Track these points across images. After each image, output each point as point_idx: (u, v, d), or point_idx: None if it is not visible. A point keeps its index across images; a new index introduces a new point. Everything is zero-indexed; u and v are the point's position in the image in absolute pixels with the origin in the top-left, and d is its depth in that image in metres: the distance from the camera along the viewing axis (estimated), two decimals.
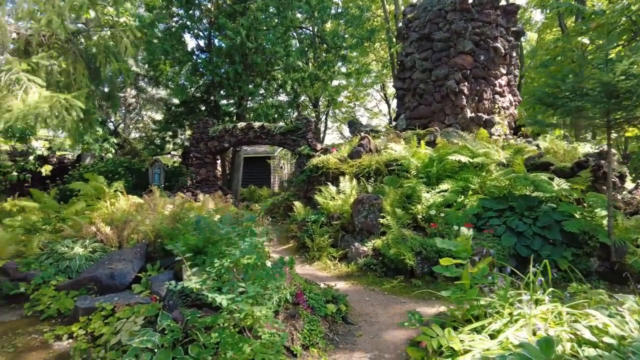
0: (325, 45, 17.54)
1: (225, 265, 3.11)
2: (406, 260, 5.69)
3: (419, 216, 6.65)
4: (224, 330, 2.84)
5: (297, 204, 8.35)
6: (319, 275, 6.28)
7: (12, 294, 5.02)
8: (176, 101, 17.40)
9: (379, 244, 6.21)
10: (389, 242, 6.05)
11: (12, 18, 5.11)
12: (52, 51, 4.30)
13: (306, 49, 18.47)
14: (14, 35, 4.57)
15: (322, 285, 4.98)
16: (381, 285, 5.72)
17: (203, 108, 15.89)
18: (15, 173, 12.05)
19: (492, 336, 2.98)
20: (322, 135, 25.58)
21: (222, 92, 15.11)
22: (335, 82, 22.61)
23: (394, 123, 13.26)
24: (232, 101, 16.27)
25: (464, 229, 4.17)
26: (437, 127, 9.97)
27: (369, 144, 8.98)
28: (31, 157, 13.41)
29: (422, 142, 8.48)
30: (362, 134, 9.72)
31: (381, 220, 6.60)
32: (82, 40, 5.05)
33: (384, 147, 8.97)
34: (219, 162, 14.13)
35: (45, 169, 14.71)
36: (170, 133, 16.44)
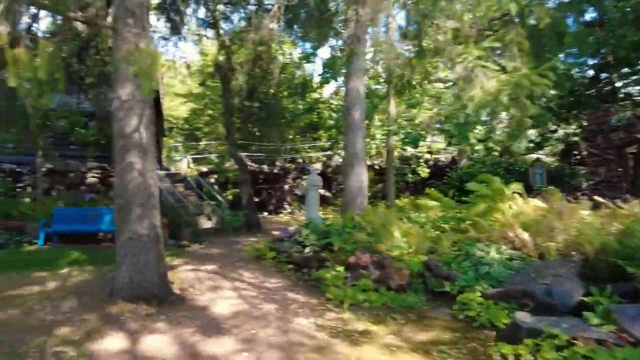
0: None
1: None
2: None
3: None
4: None
5: None
6: None
7: (438, 291, 5.20)
8: (552, 92, 15.29)
9: None
10: None
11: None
12: (499, 34, 4.14)
13: None
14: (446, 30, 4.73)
15: None
16: None
17: (591, 95, 13.06)
18: (410, 175, 13.86)
19: None
20: None
21: (622, 69, 11.86)
22: None
23: None
24: (633, 79, 12.58)
25: None
26: None
27: None
28: (421, 160, 15.10)
29: None
30: None
31: None
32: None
33: None
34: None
35: (423, 171, 16.45)
36: (553, 128, 14.50)
